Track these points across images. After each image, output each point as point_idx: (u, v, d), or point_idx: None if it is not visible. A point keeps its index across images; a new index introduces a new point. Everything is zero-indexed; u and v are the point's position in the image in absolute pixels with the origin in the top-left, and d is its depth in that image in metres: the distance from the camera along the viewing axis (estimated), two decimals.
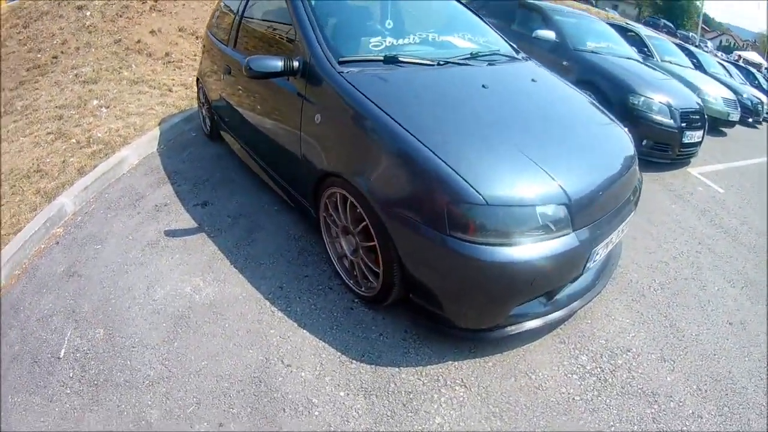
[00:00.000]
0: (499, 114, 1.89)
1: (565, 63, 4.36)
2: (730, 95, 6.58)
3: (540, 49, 4.48)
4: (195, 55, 4.96)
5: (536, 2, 5.14)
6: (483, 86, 1.99)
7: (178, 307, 1.98)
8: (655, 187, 3.77)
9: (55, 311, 1.98)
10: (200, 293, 2.06)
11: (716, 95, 6.16)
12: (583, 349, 1.92)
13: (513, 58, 2.50)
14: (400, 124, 1.63)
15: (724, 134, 6.70)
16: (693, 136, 4.11)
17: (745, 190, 4.22)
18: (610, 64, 4.24)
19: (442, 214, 1.48)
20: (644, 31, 7.11)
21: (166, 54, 4.83)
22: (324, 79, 1.87)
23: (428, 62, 2.06)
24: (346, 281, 2.05)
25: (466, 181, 1.47)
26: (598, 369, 1.84)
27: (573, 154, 1.80)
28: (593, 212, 1.69)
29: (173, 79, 4.50)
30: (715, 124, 6.17)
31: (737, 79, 9.27)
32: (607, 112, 2.34)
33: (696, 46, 15.33)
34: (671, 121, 3.94)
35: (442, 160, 1.52)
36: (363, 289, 1.95)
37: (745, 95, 8.11)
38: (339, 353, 1.77)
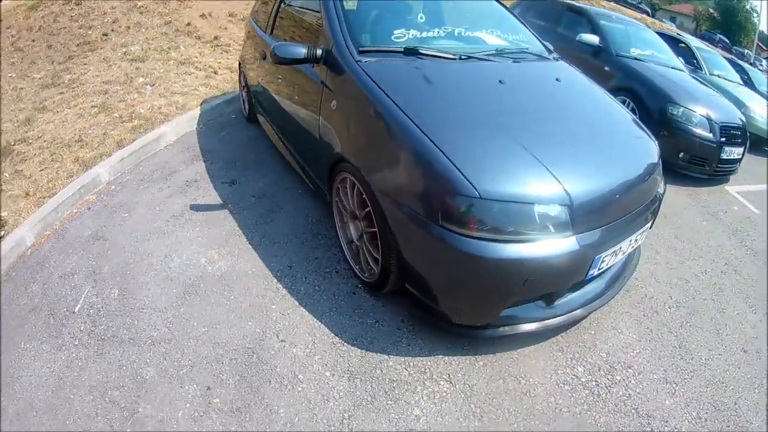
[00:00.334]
0: (510, 110, 1.81)
1: (606, 68, 4.15)
2: None
3: (583, 53, 4.31)
4: (242, 40, 5.04)
5: (584, 6, 4.95)
6: (500, 82, 1.92)
7: (191, 276, 2.04)
8: (688, 202, 3.51)
9: (77, 270, 2.09)
10: (213, 265, 2.11)
11: (763, 113, 5.69)
12: (581, 360, 1.81)
13: (542, 57, 2.39)
14: (405, 113, 1.60)
15: None
16: (732, 152, 3.82)
17: None
18: (651, 72, 4.00)
19: (437, 204, 1.44)
20: (695, 42, 6.71)
21: (215, 38, 4.98)
22: (342, 67, 1.87)
23: (449, 56, 2.00)
24: (353, 266, 2.04)
25: (461, 173, 1.43)
26: (593, 382, 1.73)
27: (583, 155, 1.71)
28: (599, 217, 1.60)
29: (219, 63, 4.63)
30: (761, 144, 5.72)
31: None
32: (636, 120, 2.20)
33: (750, 64, 14.18)
34: (710, 135, 3.68)
35: (441, 151, 1.47)
36: (366, 274, 1.94)
37: None
38: (333, 335, 1.77)
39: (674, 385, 1.77)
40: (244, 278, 2.04)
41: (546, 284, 1.60)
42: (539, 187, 1.49)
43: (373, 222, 1.72)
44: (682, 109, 3.67)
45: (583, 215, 1.53)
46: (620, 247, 1.72)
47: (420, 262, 1.59)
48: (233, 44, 5.06)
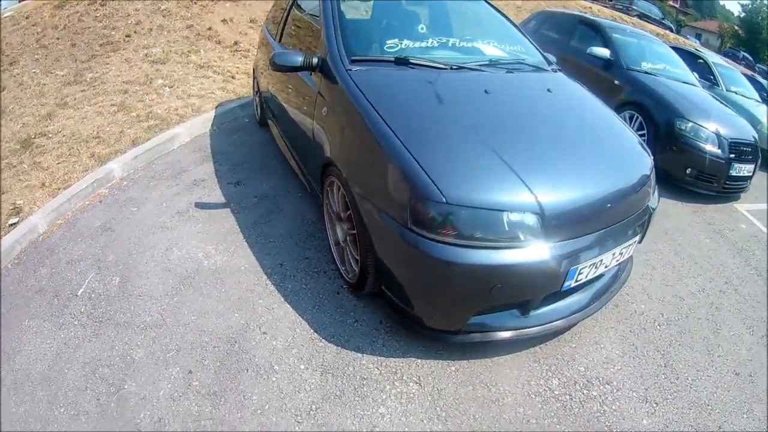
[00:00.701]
0: (491, 119, 1.88)
1: (616, 82, 4.18)
2: None
3: (595, 67, 4.36)
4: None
5: (596, 19, 5.00)
6: (485, 92, 1.99)
7: (187, 269, 2.20)
8: (693, 219, 3.48)
9: (83, 257, 2.28)
10: (209, 259, 2.27)
11: None
12: (557, 372, 1.84)
13: (539, 69, 2.46)
14: (384, 121, 1.70)
15: None
16: (742, 169, 3.77)
17: None
18: (661, 86, 4.00)
19: (406, 208, 1.52)
20: (712, 58, 6.63)
21: (235, 43, 5.24)
22: (333, 75, 1.99)
23: (440, 65, 2.10)
24: (339, 267, 2.14)
25: (430, 178, 1.50)
26: (567, 396, 1.75)
27: (561, 165, 1.74)
28: (574, 228, 1.63)
29: (238, 67, 4.87)
30: None
31: None
32: (631, 133, 2.23)
33: None
34: (718, 151, 3.65)
35: (414, 158, 1.56)
36: (350, 275, 2.04)
37: None
38: (312, 330, 1.87)
39: (654, 405, 1.77)
40: (236, 273, 2.18)
41: (515, 293, 1.64)
42: (509, 195, 1.54)
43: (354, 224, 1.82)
44: (690, 124, 3.66)
45: (556, 224, 1.56)
46: (601, 260, 1.74)
47: (393, 265, 1.67)
48: (252, 50, 5.30)
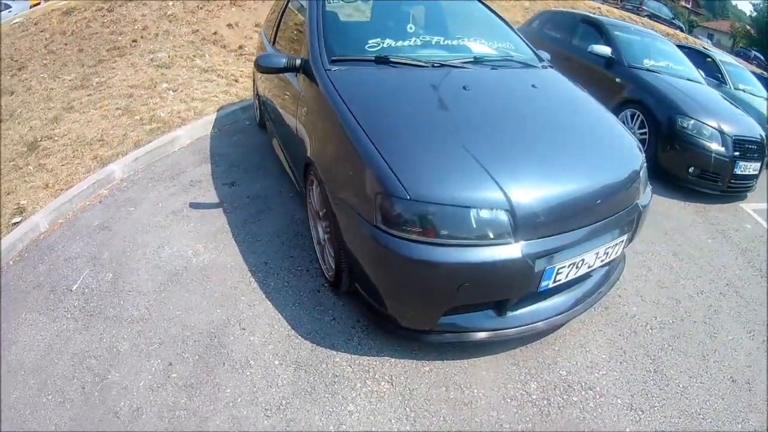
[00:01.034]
0: (465, 116, 1.88)
1: (618, 80, 4.14)
2: None
3: (597, 65, 4.34)
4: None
5: (598, 17, 4.97)
6: (464, 88, 2.00)
7: (176, 266, 2.30)
8: (695, 219, 3.41)
9: (80, 254, 2.41)
10: (198, 257, 2.37)
11: None
12: (537, 376, 1.83)
13: (528, 65, 2.47)
14: (355, 118, 1.73)
15: None
16: (747, 167, 3.68)
17: None
18: (663, 84, 3.95)
19: (372, 206, 1.55)
20: (720, 56, 6.54)
21: (240, 47, 5.41)
22: (313, 75, 2.05)
23: (421, 63, 2.13)
24: (321, 265, 2.20)
25: (395, 175, 1.51)
26: (545, 401, 1.73)
27: (536, 161, 1.73)
28: (550, 226, 1.61)
29: (242, 71, 5.03)
30: None
31: None
32: (623, 130, 2.19)
33: None
34: (722, 149, 3.58)
35: (381, 155, 1.58)
36: (329, 273, 2.09)
37: None
38: (290, 327, 1.94)
39: (640, 413, 1.74)
40: (222, 271, 2.27)
41: (486, 292, 1.63)
42: (478, 192, 1.53)
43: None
44: (692, 121, 3.60)
45: (528, 222, 1.55)
46: (582, 260, 1.71)
47: (363, 263, 1.70)
48: (256, 53, 5.48)
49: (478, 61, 2.31)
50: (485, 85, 2.14)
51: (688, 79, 4.30)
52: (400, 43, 2.26)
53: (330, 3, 2.43)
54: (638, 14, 16.22)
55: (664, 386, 1.88)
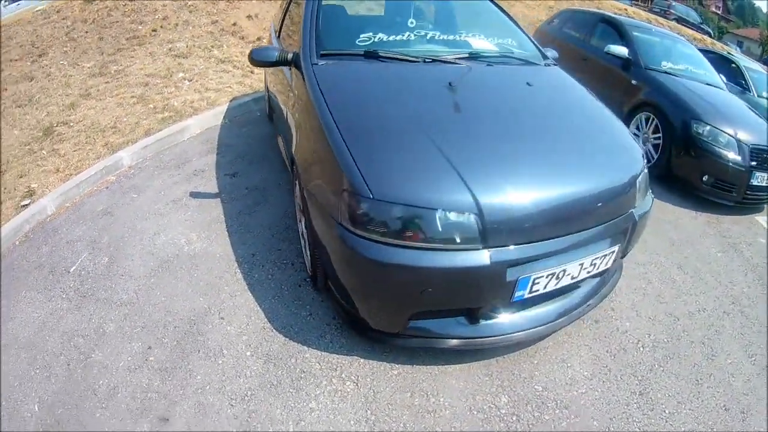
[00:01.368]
0: (444, 113, 1.85)
1: (634, 82, 4.01)
2: None
3: (614, 66, 4.22)
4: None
5: (617, 17, 4.83)
6: (449, 84, 1.98)
7: (168, 253, 2.42)
8: (706, 230, 3.27)
9: (81, 238, 2.56)
10: (190, 246, 2.48)
11: None
12: (509, 389, 1.80)
13: (528, 62, 2.41)
14: (331, 114, 1.74)
15: None
16: (765, 178, 3.50)
17: None
18: (680, 87, 3.79)
19: (338, 204, 1.55)
20: (745, 62, 6.28)
21: (258, 38, 5.51)
22: (301, 69, 2.08)
23: (411, 58, 2.12)
24: (305, 259, 2.24)
25: (360, 173, 1.51)
26: (514, 417, 1.70)
27: (514, 162, 1.68)
28: (524, 233, 1.56)
29: None
30: None
31: None
32: (623, 133, 2.11)
33: None
34: (738, 158, 3.43)
35: (350, 152, 1.58)
36: (309, 268, 2.14)
37: None
38: (266, 320, 2.01)
39: None
40: (211, 260, 2.36)
41: (452, 299, 1.61)
42: (445, 193, 1.49)
43: None
44: (708, 127, 3.47)
45: (499, 228, 1.51)
46: (564, 270, 1.65)
47: (333, 261, 1.71)
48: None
49: (473, 56, 2.28)
50: (473, 82, 2.10)
51: (708, 84, 4.14)
52: (393, 37, 2.26)
53: None
54: (666, 17, 16.09)
55: (648, 411, 1.80)
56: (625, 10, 12.81)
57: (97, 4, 6.12)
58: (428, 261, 1.48)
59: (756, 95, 5.59)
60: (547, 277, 1.64)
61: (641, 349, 2.09)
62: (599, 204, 1.71)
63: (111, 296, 2.16)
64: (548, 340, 2.04)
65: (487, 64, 2.27)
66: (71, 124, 3.60)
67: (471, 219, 1.49)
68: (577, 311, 1.90)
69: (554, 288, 1.72)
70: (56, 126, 3.60)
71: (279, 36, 3.14)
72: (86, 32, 5.60)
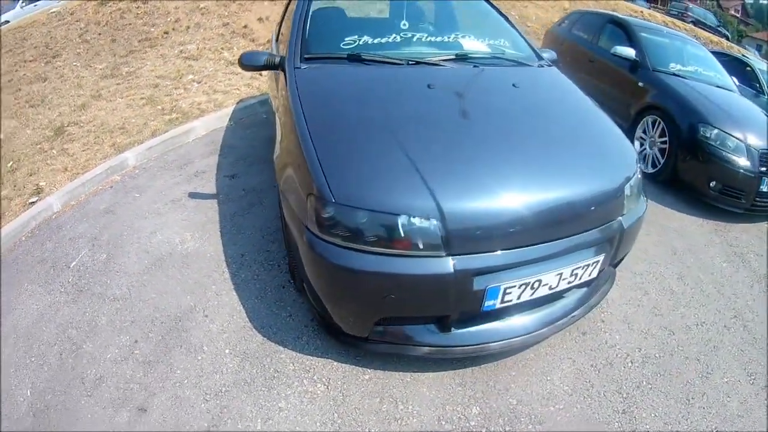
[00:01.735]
0: (417, 116, 1.86)
1: (640, 84, 3.95)
2: None
3: (621, 68, 4.17)
4: None
5: (625, 18, 4.77)
6: (428, 87, 2.00)
7: (162, 252, 2.55)
8: (712, 239, 3.18)
9: (83, 235, 2.73)
10: (183, 245, 2.61)
11: None
12: (482, 400, 1.80)
13: (520, 63, 2.42)
14: (305, 117, 1.78)
15: None
16: None
17: None
18: (688, 90, 3.72)
19: (305, 207, 1.60)
20: (760, 65, 6.05)
21: (269, 41, 5.62)
22: (285, 72, 2.15)
23: (394, 61, 2.16)
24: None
25: (325, 176, 1.54)
26: (483, 430, 1.69)
27: (485, 167, 1.67)
28: (492, 240, 1.56)
29: None
30: None
31: None
32: (616, 137, 2.06)
33: None
34: (747, 163, 3.33)
35: (317, 156, 1.61)
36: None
37: None
38: (247, 319, 2.11)
39: None
40: (201, 259, 2.49)
41: (415, 306, 1.63)
42: (408, 199, 1.51)
43: None
44: (716, 130, 3.39)
45: (465, 235, 1.51)
46: (539, 280, 1.62)
47: (305, 265, 1.75)
48: None
49: (460, 58, 2.29)
50: (454, 84, 2.12)
51: (718, 86, 4.03)
52: (378, 40, 2.29)
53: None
54: (683, 20, 15.76)
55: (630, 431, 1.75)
56: (641, 12, 12.63)
57: (111, 6, 6.39)
58: (390, 267, 1.50)
59: None
60: (520, 287, 1.62)
61: (629, 364, 2.04)
62: (579, 211, 1.68)
63: (105, 291, 2.31)
64: (529, 351, 2.03)
65: (474, 66, 2.27)
66: (81, 124, 3.82)
67: (433, 225, 1.50)
68: (560, 322, 1.87)
69: (530, 298, 1.70)
70: (67, 126, 3.82)
71: (277, 39, 3.25)
72: (99, 34, 5.85)
